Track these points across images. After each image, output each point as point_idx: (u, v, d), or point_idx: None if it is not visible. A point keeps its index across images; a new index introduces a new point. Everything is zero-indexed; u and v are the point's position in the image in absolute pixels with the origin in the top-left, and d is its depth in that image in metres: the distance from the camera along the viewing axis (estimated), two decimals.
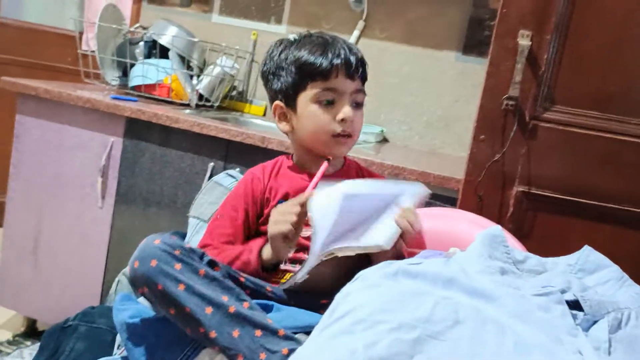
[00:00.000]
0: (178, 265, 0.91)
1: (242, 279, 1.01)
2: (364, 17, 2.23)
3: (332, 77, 1.14)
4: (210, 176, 1.75)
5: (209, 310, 0.90)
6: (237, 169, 1.73)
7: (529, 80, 1.33)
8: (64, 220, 2.00)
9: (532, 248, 1.22)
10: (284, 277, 1.11)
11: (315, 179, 1.13)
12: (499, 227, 0.91)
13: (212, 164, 1.78)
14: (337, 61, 1.14)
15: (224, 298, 0.91)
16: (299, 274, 1.01)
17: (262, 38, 2.38)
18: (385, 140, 2.23)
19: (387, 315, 0.70)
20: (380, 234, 1.05)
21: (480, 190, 1.38)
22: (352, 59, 1.16)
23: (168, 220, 1.86)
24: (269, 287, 1.03)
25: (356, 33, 2.23)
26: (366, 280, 0.74)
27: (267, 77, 1.23)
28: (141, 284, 0.92)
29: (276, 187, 1.20)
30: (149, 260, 0.91)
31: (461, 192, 1.41)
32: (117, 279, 1.36)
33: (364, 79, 1.21)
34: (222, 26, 2.44)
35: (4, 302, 2.09)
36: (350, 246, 1.01)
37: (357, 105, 1.19)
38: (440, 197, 1.56)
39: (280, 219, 1.04)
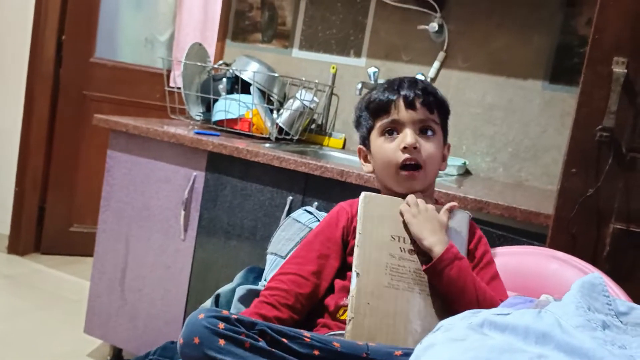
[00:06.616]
0: (222, 341, 0.89)
1: (308, 339, 0.96)
2: (444, 47, 2.19)
3: (392, 110, 1.19)
4: (289, 209, 1.76)
5: None
6: (315, 204, 1.73)
7: (625, 109, 1.24)
8: (149, 251, 2.06)
9: (631, 292, 1.12)
10: (343, 315, 1.11)
11: None
12: (597, 274, 0.83)
13: (290, 197, 1.79)
14: (394, 95, 1.19)
15: None
16: None
17: (341, 71, 2.39)
18: (467, 172, 2.15)
19: None
20: None
21: (573, 228, 1.29)
22: (412, 90, 1.19)
23: (248, 252, 1.87)
24: (335, 342, 0.97)
25: (436, 64, 2.19)
26: (449, 332, 0.69)
27: (355, 126, 1.31)
28: None
29: None
30: (192, 338, 0.90)
31: (551, 228, 1.32)
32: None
33: (433, 108, 1.21)
34: (301, 60, 2.48)
35: (92, 331, 2.16)
36: None
37: (426, 134, 1.19)
38: (527, 234, 1.48)
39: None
